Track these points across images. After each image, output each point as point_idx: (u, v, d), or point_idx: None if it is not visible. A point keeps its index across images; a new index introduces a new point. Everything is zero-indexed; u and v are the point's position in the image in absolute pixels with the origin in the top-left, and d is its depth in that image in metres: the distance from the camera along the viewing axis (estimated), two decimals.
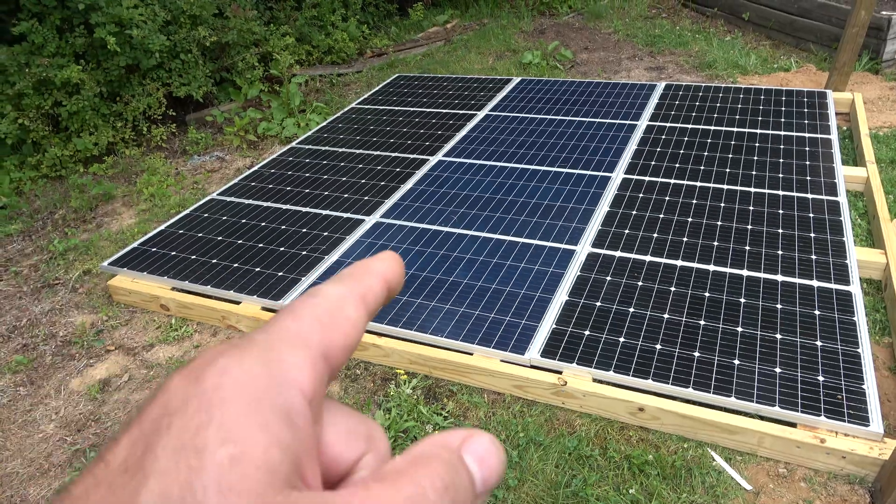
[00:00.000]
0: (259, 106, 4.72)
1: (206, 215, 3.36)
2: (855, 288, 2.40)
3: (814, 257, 2.58)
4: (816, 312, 2.31)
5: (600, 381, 2.20)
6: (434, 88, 4.83)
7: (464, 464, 0.23)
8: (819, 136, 3.48)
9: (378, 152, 3.90)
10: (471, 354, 2.37)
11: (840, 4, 4.67)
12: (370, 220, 3.18)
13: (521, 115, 4.18)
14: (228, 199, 3.51)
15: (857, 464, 1.88)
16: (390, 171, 3.67)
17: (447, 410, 2.28)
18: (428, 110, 4.44)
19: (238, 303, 2.74)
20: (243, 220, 3.26)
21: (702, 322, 2.32)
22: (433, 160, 3.73)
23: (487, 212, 3.17)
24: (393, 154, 3.86)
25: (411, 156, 3.81)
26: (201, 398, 0.21)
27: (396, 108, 4.53)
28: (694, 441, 2.07)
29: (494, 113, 4.26)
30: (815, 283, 2.44)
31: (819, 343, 2.18)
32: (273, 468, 0.20)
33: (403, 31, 6.57)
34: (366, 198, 3.39)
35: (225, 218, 3.30)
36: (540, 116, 4.13)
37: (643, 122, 3.88)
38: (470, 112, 4.33)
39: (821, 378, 2.05)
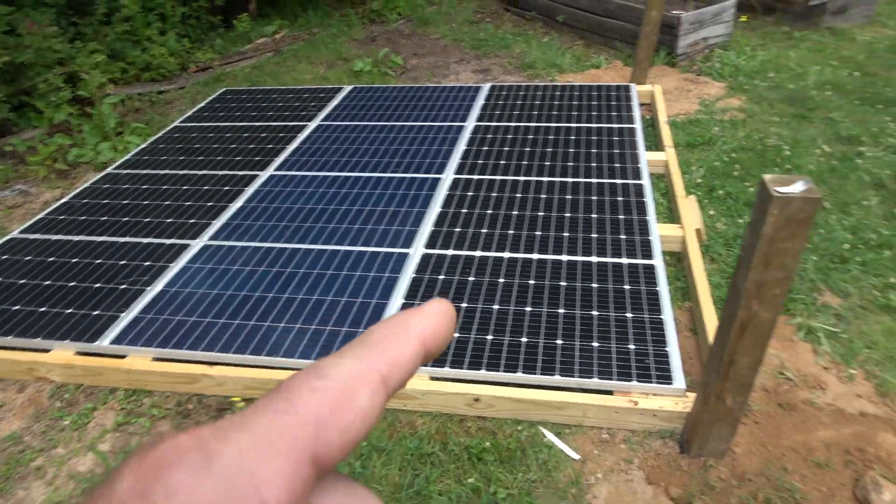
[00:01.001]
0: (68, 131, 4.35)
1: (3, 258, 3.04)
2: (658, 261, 2.63)
3: (623, 237, 2.80)
4: (626, 287, 2.51)
5: (438, 378, 2.25)
6: (263, 101, 4.71)
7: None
8: (625, 125, 3.79)
9: (205, 172, 3.74)
10: None
11: (638, 5, 5.11)
12: (197, 244, 3.03)
13: (353, 123, 4.19)
14: (32, 236, 3.20)
15: (666, 419, 2.07)
16: (218, 190, 3.52)
17: None
18: (257, 124, 4.32)
19: (47, 350, 2.50)
20: (50, 259, 2.99)
21: (528, 308, 2.45)
22: (264, 175, 3.63)
23: (322, 223, 3.13)
24: (221, 172, 3.71)
25: (241, 173, 3.69)
26: None
27: (224, 124, 4.36)
28: (527, 422, 2.17)
29: (326, 123, 4.23)
30: (624, 260, 2.66)
31: (629, 315, 2.37)
32: None
33: (230, 43, 6.35)
34: (192, 221, 3.23)
35: (28, 258, 3.01)
36: (372, 123, 4.15)
37: (471, 123, 4.02)
38: (301, 123, 4.26)
39: (631, 346, 2.23)
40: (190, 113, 4.61)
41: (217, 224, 3.19)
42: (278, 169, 3.68)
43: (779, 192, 1.23)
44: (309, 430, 0.20)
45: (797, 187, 1.22)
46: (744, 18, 5.67)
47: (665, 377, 2.11)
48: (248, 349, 2.40)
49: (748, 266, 1.39)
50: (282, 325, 2.49)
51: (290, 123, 4.28)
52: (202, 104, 4.75)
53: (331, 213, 3.20)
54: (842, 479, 2.00)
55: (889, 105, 4.13)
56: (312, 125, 4.21)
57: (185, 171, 3.76)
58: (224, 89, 4.99)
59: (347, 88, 4.77)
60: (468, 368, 2.21)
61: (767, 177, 1.26)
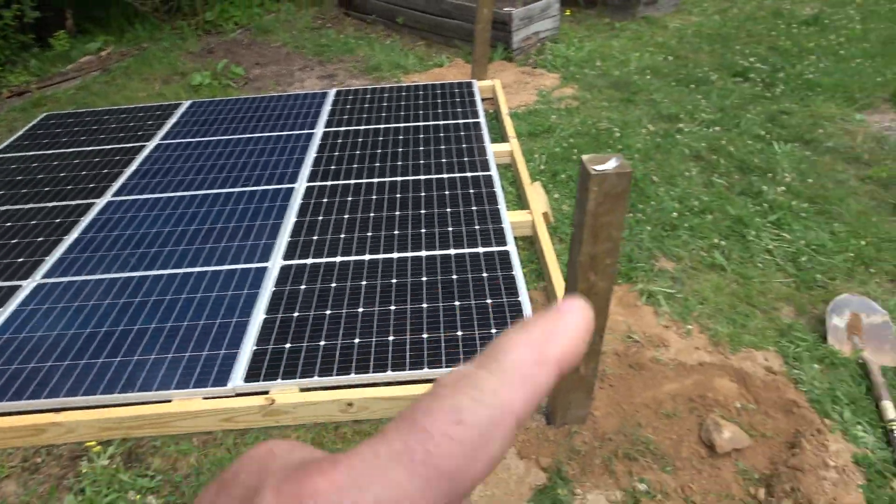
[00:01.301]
0: None
1: None
2: (511, 247, 2.76)
3: (477, 227, 2.91)
4: (484, 275, 2.61)
5: (308, 389, 2.22)
6: (93, 124, 4.38)
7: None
8: (471, 120, 3.92)
9: (31, 205, 3.42)
10: (169, 401, 2.21)
11: (472, 4, 5.30)
12: (29, 285, 2.78)
13: (196, 139, 4.01)
14: None
15: None
16: (49, 223, 3.24)
17: (153, 469, 2.10)
18: (88, 149, 4.02)
19: None
20: None
21: (392, 307, 2.48)
22: (101, 203, 3.39)
23: (170, 247, 2.98)
24: (50, 204, 3.42)
25: (73, 202, 3.41)
26: None
27: (49, 152, 4.01)
28: None
29: (166, 141, 4.01)
30: (480, 249, 2.76)
31: (489, 301, 2.47)
32: None
33: (48, 63, 5.83)
34: (20, 260, 2.95)
35: None
36: (216, 138, 4.00)
37: (319, 130, 3.98)
38: (138, 144, 4.02)
39: (493, 331, 2.33)
40: (7, 142, 4.19)
41: (51, 260, 2.94)
42: (116, 194, 3.45)
43: (596, 169, 1.34)
44: (445, 485, 0.20)
45: (611, 164, 1.34)
46: (568, 12, 6.05)
47: None
48: (100, 388, 2.24)
49: (580, 241, 1.51)
50: (135, 357, 2.35)
51: (125, 145, 4.02)
52: (21, 132, 4.34)
53: (179, 235, 3.05)
54: (688, 425, 2.21)
55: (700, 84, 4.59)
56: (151, 145, 3.98)
57: (6, 207, 3.42)
58: (46, 114, 4.59)
59: (186, 104, 4.56)
60: (337, 374, 2.20)
61: (585, 157, 1.37)
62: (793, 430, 2.16)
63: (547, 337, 0.23)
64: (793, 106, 4.20)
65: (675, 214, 3.19)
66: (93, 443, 2.18)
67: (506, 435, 0.21)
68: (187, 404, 2.18)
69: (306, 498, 0.19)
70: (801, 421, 2.19)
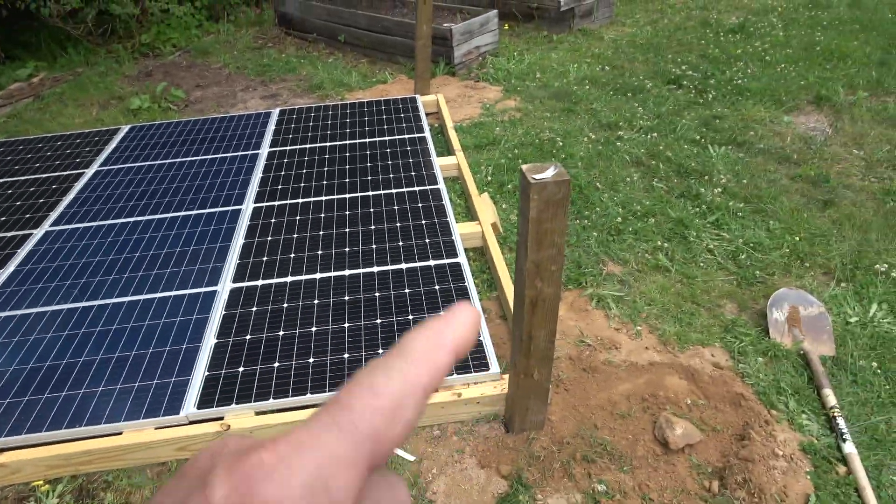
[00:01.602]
0: None
1: None
2: (462, 258, 2.79)
3: (427, 241, 2.93)
4: (437, 287, 2.63)
5: (264, 412, 2.19)
6: (27, 153, 4.23)
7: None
8: (416, 135, 3.95)
9: None
10: (120, 433, 2.15)
11: (413, 21, 5.35)
12: None
13: (137, 164, 3.92)
14: None
15: (489, 404, 2.20)
16: None
17: None
18: (23, 178, 3.88)
19: None
20: None
21: (346, 324, 2.47)
22: (39, 233, 3.27)
23: (114, 275, 2.90)
24: None
25: (8, 234, 3.29)
26: None
27: None
28: None
29: (106, 168, 3.91)
30: (431, 262, 2.78)
31: (442, 313, 2.48)
32: None
33: None
34: None
35: None
36: (158, 162, 3.92)
37: (264, 150, 3.95)
38: (76, 172, 3.90)
39: None
40: None
41: None
42: (55, 224, 3.34)
43: (535, 178, 1.38)
44: (368, 445, 0.23)
45: (549, 173, 1.38)
46: (507, 27, 6.18)
47: (482, 365, 2.24)
48: (45, 425, 2.15)
49: (525, 249, 1.54)
50: (82, 391, 2.27)
51: (63, 173, 3.90)
52: None
53: (123, 263, 2.97)
54: (642, 424, 2.26)
55: (636, 92, 4.74)
56: (90, 172, 3.87)
57: None
58: None
59: (126, 128, 4.45)
60: (293, 395, 2.18)
61: (525, 167, 1.41)
62: (742, 423, 2.24)
63: (442, 329, 0.28)
64: (725, 110, 4.37)
65: (619, 219, 3.28)
66: (40, 482, 2.10)
67: (417, 403, 0.25)
68: (139, 435, 2.12)
69: (254, 469, 0.21)
70: (750, 413, 2.27)
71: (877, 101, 4.41)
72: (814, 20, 6.08)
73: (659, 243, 3.12)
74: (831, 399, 2.26)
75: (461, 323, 0.28)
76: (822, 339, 2.55)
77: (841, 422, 2.17)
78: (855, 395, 2.32)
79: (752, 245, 3.07)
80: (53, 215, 3.42)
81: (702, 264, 2.98)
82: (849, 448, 2.09)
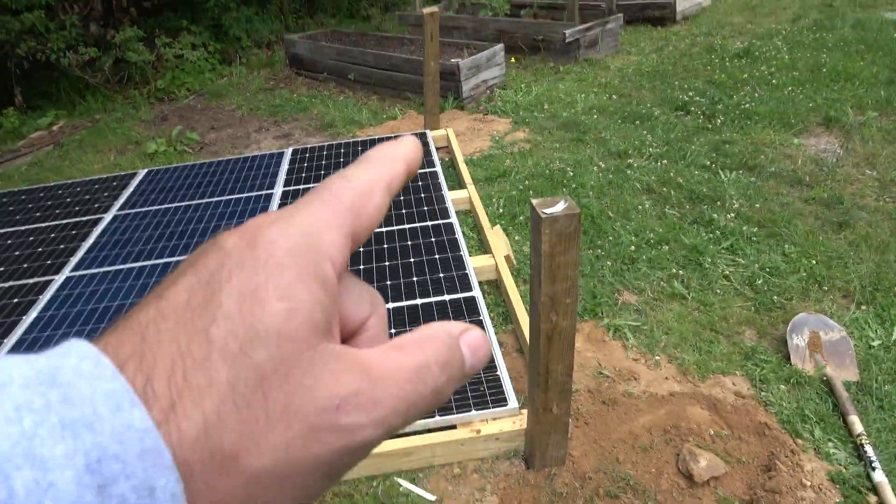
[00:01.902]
0: None
1: None
2: (476, 292, 2.79)
3: (441, 275, 2.94)
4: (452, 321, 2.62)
5: None
6: (48, 199, 4.32)
7: (460, 349, 0.27)
8: (427, 170, 3.99)
9: None
10: None
11: (420, 57, 5.45)
12: None
13: (154, 207, 3.98)
14: None
15: (508, 440, 2.18)
16: (6, 304, 3.16)
17: None
18: (44, 225, 3.95)
19: None
20: None
21: None
22: (60, 279, 3.32)
23: None
24: (6, 284, 3.34)
25: (30, 281, 3.34)
26: (257, 261, 0.24)
27: (3, 231, 3.93)
28: (381, 475, 2.17)
29: (124, 212, 3.98)
30: (446, 297, 2.79)
31: None
32: (317, 324, 0.23)
33: None
34: None
35: None
36: (175, 205, 3.98)
37: (278, 190, 4.00)
38: (95, 216, 3.97)
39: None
40: None
41: (9, 342, 2.86)
42: (76, 269, 3.39)
43: (546, 212, 1.39)
44: (348, 214, 0.27)
45: (560, 206, 1.39)
46: (513, 59, 6.27)
47: (500, 400, 2.23)
48: None
49: (539, 283, 1.54)
50: None
51: (82, 218, 3.97)
52: None
53: None
54: (665, 456, 2.23)
55: (644, 120, 4.76)
56: (108, 216, 3.94)
57: None
58: None
59: (142, 172, 4.54)
60: None
61: (535, 201, 1.42)
62: (767, 453, 2.20)
63: (394, 145, 0.31)
64: (734, 135, 4.38)
65: (632, 248, 3.27)
66: None
67: (382, 193, 0.28)
68: None
69: (256, 223, 0.25)
70: (775, 443, 2.23)
71: (887, 120, 4.41)
72: (819, 42, 6.12)
73: (674, 271, 3.10)
74: (858, 426, 2.22)
75: (404, 143, 0.31)
76: (844, 364, 2.51)
77: (869, 449, 2.13)
78: (882, 422, 2.27)
79: (768, 270, 3.05)
80: (74, 260, 3.48)
81: (718, 291, 2.96)
82: (879, 476, 2.04)
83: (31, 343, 2.84)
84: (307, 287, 0.24)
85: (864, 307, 2.80)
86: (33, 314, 3.05)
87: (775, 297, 2.88)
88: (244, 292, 0.23)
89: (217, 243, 0.25)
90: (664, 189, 3.80)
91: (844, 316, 2.75)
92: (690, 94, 5.12)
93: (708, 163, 4.04)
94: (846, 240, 3.23)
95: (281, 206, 3.69)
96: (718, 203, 3.59)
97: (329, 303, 0.25)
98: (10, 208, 4.24)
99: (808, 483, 2.05)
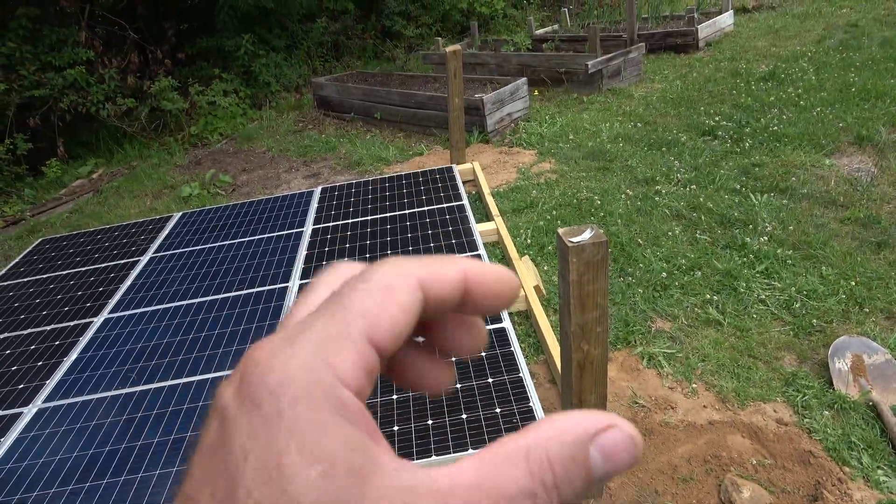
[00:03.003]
0: None
1: None
2: (507, 324, 2.78)
3: None
4: (483, 354, 2.62)
5: None
6: (88, 244, 4.46)
7: (587, 458, 0.22)
8: (454, 203, 4.02)
9: (30, 330, 3.44)
10: None
11: (444, 94, 5.54)
12: (30, 411, 2.75)
13: (189, 248, 4.08)
14: None
15: None
16: (48, 347, 3.25)
17: None
18: (84, 269, 4.08)
19: None
20: None
21: (394, 396, 2.46)
22: (98, 321, 3.41)
23: (170, 357, 2.98)
24: (49, 327, 3.43)
25: (72, 323, 3.43)
26: (268, 424, 0.21)
27: (45, 276, 4.07)
28: None
29: (160, 254, 4.08)
30: None
31: (491, 380, 2.46)
32: (356, 470, 0.21)
33: (41, 191, 6.00)
34: (21, 386, 2.94)
35: None
36: (208, 246, 4.07)
37: (308, 228, 4.07)
38: (132, 259, 4.08)
39: (497, 410, 2.31)
40: (4, 271, 4.25)
41: (51, 384, 2.93)
42: (113, 311, 3.48)
43: (572, 241, 1.39)
44: (361, 321, 0.24)
45: (586, 235, 1.39)
46: (536, 92, 6.33)
47: None
48: None
49: (568, 312, 1.53)
50: (140, 475, 2.31)
51: (120, 262, 4.08)
52: (16, 259, 4.41)
53: (178, 345, 3.06)
54: (706, 487, 2.16)
55: (671, 146, 4.75)
56: (144, 259, 4.05)
57: (5, 335, 3.43)
58: (41, 240, 4.67)
59: (177, 215, 4.66)
60: None
61: (561, 230, 1.42)
62: (813, 482, 2.12)
63: (454, 257, 0.28)
64: (763, 158, 4.34)
65: (664, 274, 3.23)
66: None
67: (409, 288, 0.25)
68: None
69: (253, 366, 0.23)
70: (820, 471, 2.15)
71: None
72: (846, 62, 6.06)
73: (708, 296, 3.06)
74: None
75: (483, 263, 0.28)
76: (891, 388, 2.43)
77: None
78: None
79: (805, 293, 2.98)
80: (112, 302, 3.57)
81: (755, 315, 2.90)
82: None
83: (72, 384, 2.90)
84: (333, 432, 0.21)
85: None
86: (73, 355, 3.12)
87: (814, 321, 2.81)
88: (268, 470, 0.20)
89: (217, 408, 0.23)
90: (694, 214, 3.76)
91: (888, 338, 2.66)
92: (717, 118, 5.10)
93: (738, 186, 4.00)
94: (886, 260, 3.15)
95: (311, 243, 3.75)
96: (750, 226, 3.54)
97: (362, 437, 0.22)
98: (52, 254, 4.39)
99: None
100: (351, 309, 0.24)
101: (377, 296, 0.25)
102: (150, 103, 6.74)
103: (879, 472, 2.11)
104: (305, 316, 0.25)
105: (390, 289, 0.25)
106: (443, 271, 0.26)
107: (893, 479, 2.09)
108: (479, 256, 3.35)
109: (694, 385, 2.58)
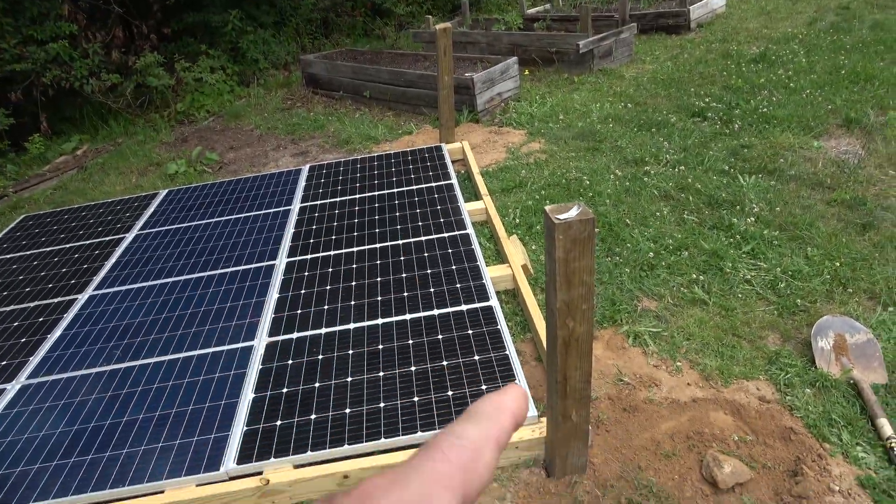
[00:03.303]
0: None
1: None
2: (494, 302, 2.78)
3: (458, 286, 2.93)
4: (470, 332, 2.62)
5: (302, 465, 2.18)
6: (72, 221, 4.41)
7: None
8: (443, 182, 4.01)
9: (12, 307, 3.40)
10: (162, 492, 2.16)
11: (434, 73, 5.49)
12: (12, 387, 2.73)
13: (174, 226, 4.04)
14: None
15: (528, 448, 2.16)
16: (32, 323, 3.22)
17: None
18: (68, 246, 4.03)
19: None
20: None
21: (381, 373, 2.47)
22: (83, 298, 3.38)
23: (155, 335, 2.96)
24: (32, 304, 3.40)
25: (56, 300, 3.40)
26: None
27: (28, 253, 4.02)
28: None
29: (145, 231, 4.05)
30: (463, 307, 2.78)
31: (477, 357, 2.47)
32: None
33: (24, 167, 5.91)
34: (3, 363, 2.92)
35: None
36: (194, 223, 4.04)
37: (296, 206, 4.04)
38: (118, 236, 4.04)
39: (484, 387, 2.32)
40: None
41: (35, 360, 2.91)
42: (98, 288, 3.45)
43: (559, 218, 1.38)
44: (459, 476, 0.28)
45: (573, 212, 1.39)
46: (527, 72, 6.28)
47: None
48: (90, 487, 2.18)
49: (554, 288, 1.53)
50: (125, 450, 2.30)
51: (105, 238, 4.04)
52: None
53: (163, 323, 3.04)
54: (688, 463, 2.19)
55: (661, 127, 4.74)
56: (130, 236, 4.01)
57: None
58: (24, 216, 4.62)
59: (163, 192, 4.61)
60: (330, 447, 2.17)
61: (548, 207, 1.42)
62: (793, 458, 2.15)
63: (501, 398, 0.33)
64: (752, 139, 4.34)
65: (651, 254, 3.24)
66: None
67: (493, 450, 0.30)
68: (180, 493, 2.13)
69: (371, 489, 0.27)
70: (801, 447, 2.18)
71: None
72: (836, 44, 6.05)
73: (694, 276, 3.07)
74: (887, 429, 2.16)
75: (514, 395, 0.33)
76: (872, 367, 2.46)
77: None
78: None
79: (790, 273, 3.00)
80: (97, 280, 3.54)
81: (740, 295, 2.92)
82: None
83: (56, 360, 2.88)
84: None
85: (891, 308, 2.74)
86: (57, 332, 3.10)
87: (799, 301, 2.83)
88: None
89: None
90: (682, 195, 3.77)
91: (871, 318, 2.69)
92: (707, 100, 5.09)
93: (726, 167, 4.00)
94: (871, 241, 3.17)
95: (298, 221, 3.73)
96: (738, 207, 3.55)
97: None
98: (36, 231, 4.33)
99: (837, 488, 2.00)
100: (452, 461, 0.28)
101: (471, 453, 0.29)
102: (136, 79, 6.64)
103: (858, 448, 2.14)
104: (412, 455, 0.29)
105: (480, 450, 0.29)
106: (506, 425, 0.32)
107: (871, 455, 2.12)
108: (467, 236, 3.34)
109: (678, 363, 2.60)
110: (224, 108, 6.78)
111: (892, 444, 2.11)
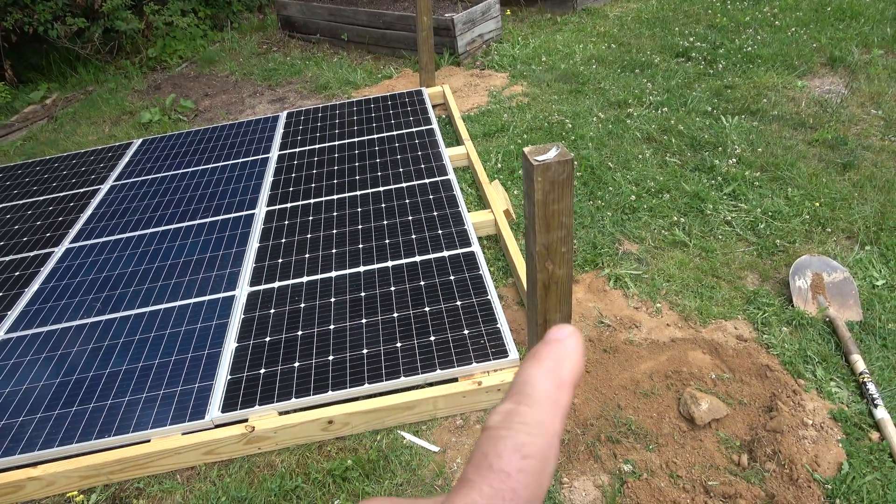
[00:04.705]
0: None
1: None
2: (476, 248, 2.77)
3: (440, 232, 2.92)
4: (452, 278, 2.62)
5: (287, 412, 2.20)
6: (44, 173, 4.30)
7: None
8: (423, 127, 3.94)
9: None
10: (148, 441, 2.18)
11: (414, 14, 5.33)
12: None
13: (150, 176, 3.96)
14: None
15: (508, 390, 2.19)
16: (8, 277, 3.17)
17: None
18: (41, 198, 3.95)
19: None
20: None
21: (363, 320, 2.47)
22: (59, 251, 3.33)
23: (135, 287, 2.94)
24: (7, 258, 3.35)
25: (31, 253, 3.35)
26: None
27: (1, 206, 3.93)
28: (384, 430, 2.20)
29: (120, 182, 3.96)
30: (445, 253, 2.77)
31: (459, 303, 2.48)
32: None
33: None
34: None
35: None
36: (171, 173, 3.96)
37: (274, 154, 3.97)
38: (92, 188, 3.96)
39: (466, 331, 2.33)
40: None
41: (13, 314, 2.88)
42: (74, 241, 3.39)
43: (538, 160, 1.36)
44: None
45: (552, 153, 1.36)
46: (509, 12, 6.12)
47: (501, 352, 2.23)
48: (76, 437, 2.19)
49: (534, 231, 1.52)
50: (109, 401, 2.31)
51: (79, 191, 3.96)
52: None
53: (143, 274, 3.01)
54: (667, 401, 2.24)
55: (644, 68, 4.67)
56: (105, 187, 3.92)
57: None
58: None
59: (137, 142, 4.50)
60: (314, 394, 2.19)
61: (526, 149, 1.39)
62: (769, 394, 2.20)
63: (557, 365, 0.28)
64: (736, 79, 4.29)
65: (633, 197, 3.24)
66: (74, 493, 2.13)
67: (556, 455, 0.27)
68: (166, 442, 2.14)
69: None
70: (776, 384, 2.23)
71: (893, 58, 4.30)
72: None
73: (675, 219, 3.08)
74: (860, 365, 2.21)
75: (571, 352, 0.29)
76: (847, 305, 2.50)
77: (871, 387, 2.13)
78: (885, 360, 2.27)
79: (770, 214, 3.01)
80: (73, 232, 3.48)
81: (720, 237, 2.94)
82: (881, 413, 2.05)
83: (36, 314, 2.85)
84: None
85: (868, 247, 2.77)
86: (35, 286, 3.06)
87: (778, 241, 2.86)
88: None
89: None
90: (665, 137, 3.74)
91: (848, 257, 2.72)
92: (691, 39, 5.01)
93: (709, 109, 3.97)
94: (850, 181, 3.18)
95: (277, 169, 3.67)
96: (720, 149, 3.54)
97: None
98: (7, 183, 4.23)
99: (810, 422, 2.06)
100: (521, 496, 0.25)
101: (538, 476, 0.26)
102: (103, 23, 6.38)
103: (832, 383, 2.20)
104: (474, 474, 0.26)
105: (546, 463, 0.26)
106: (566, 405, 0.28)
107: (844, 390, 2.17)
108: (448, 181, 3.30)
109: (658, 305, 2.63)
110: (197, 54, 6.57)
111: (865, 379, 2.16)
